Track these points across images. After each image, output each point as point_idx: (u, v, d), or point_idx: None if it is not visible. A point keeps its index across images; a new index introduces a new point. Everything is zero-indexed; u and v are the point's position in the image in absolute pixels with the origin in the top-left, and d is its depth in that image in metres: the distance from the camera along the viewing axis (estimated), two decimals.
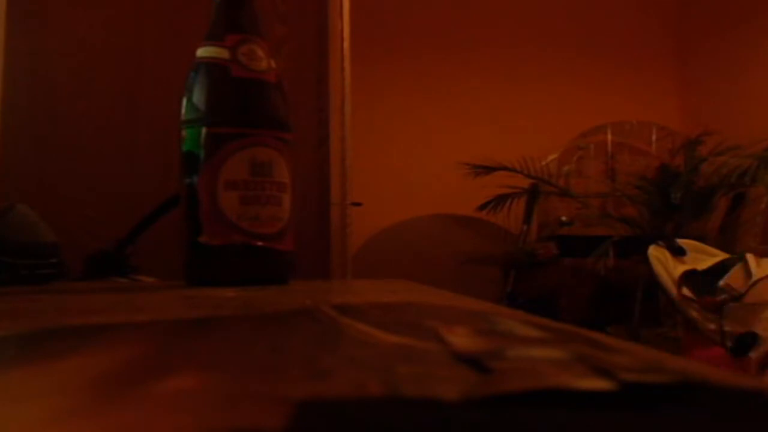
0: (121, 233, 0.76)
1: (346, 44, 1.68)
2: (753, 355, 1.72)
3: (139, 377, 0.15)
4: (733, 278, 1.85)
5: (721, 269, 1.91)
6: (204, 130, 0.56)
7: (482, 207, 3.23)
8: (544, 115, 3.49)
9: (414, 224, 3.48)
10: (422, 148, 3.45)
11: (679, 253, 2.07)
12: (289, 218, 0.59)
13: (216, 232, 0.56)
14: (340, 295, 0.48)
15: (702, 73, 3.57)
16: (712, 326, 1.86)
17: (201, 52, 0.59)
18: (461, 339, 0.20)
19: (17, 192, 1.20)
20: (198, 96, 0.58)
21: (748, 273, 1.82)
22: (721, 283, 1.86)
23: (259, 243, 0.57)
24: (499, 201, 3.20)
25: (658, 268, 2.06)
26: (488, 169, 3.11)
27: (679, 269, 1.98)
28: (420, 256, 3.42)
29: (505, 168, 3.10)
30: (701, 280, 1.93)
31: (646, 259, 2.13)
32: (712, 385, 0.14)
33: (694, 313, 1.94)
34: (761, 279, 1.78)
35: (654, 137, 3.29)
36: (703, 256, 2.02)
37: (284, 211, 0.59)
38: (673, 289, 1.99)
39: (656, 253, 2.08)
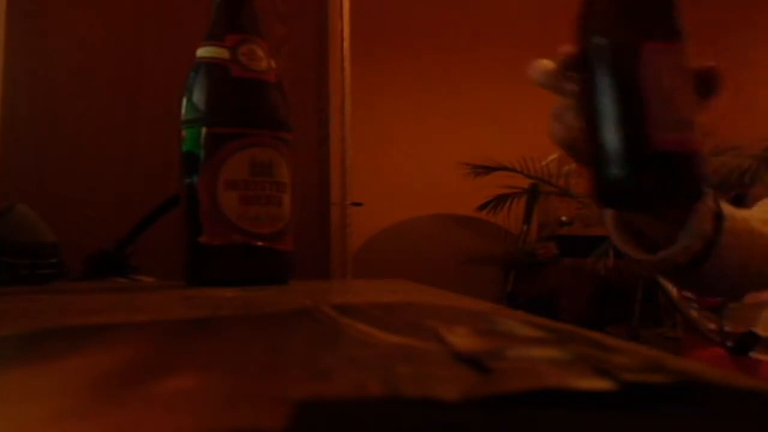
0: (121, 233, 0.76)
1: (346, 44, 1.68)
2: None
3: (139, 377, 0.15)
4: None
5: None
6: (204, 130, 0.56)
7: (482, 207, 3.23)
8: (544, 115, 3.47)
9: (414, 224, 3.48)
10: (422, 148, 3.45)
11: None
12: (289, 218, 0.59)
13: (216, 232, 0.56)
14: (340, 295, 0.48)
15: None
16: (712, 326, 1.86)
17: (201, 52, 0.59)
18: (461, 339, 0.20)
19: (17, 192, 1.20)
20: (198, 96, 0.58)
21: None
22: None
23: (259, 243, 0.57)
24: (499, 201, 3.20)
25: None
26: (488, 169, 3.11)
27: None
28: (420, 256, 3.42)
29: (505, 168, 3.10)
30: None
31: None
32: (712, 385, 0.14)
33: (694, 313, 1.94)
34: None
35: None
36: None
37: (284, 211, 0.59)
38: (673, 289, 1.99)
39: None
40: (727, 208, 0.57)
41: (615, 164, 0.48)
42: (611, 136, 0.48)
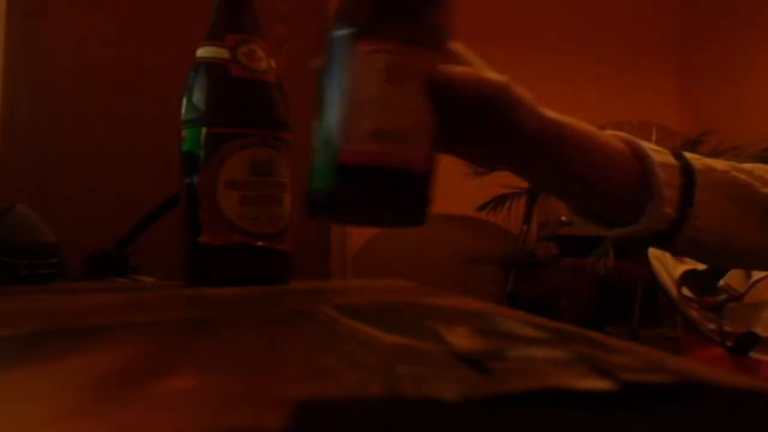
0: (121, 233, 0.76)
1: None
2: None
3: (139, 377, 0.15)
4: (733, 278, 1.85)
5: (721, 269, 1.91)
6: (204, 130, 0.56)
7: (482, 207, 3.23)
8: None
9: None
10: None
11: None
12: (289, 218, 0.59)
13: (216, 232, 0.56)
14: (340, 295, 0.48)
15: (702, 73, 3.57)
16: (712, 326, 1.86)
17: (201, 52, 0.59)
18: (461, 339, 0.20)
19: (17, 192, 1.20)
20: (198, 96, 0.58)
21: (748, 273, 1.82)
22: (721, 283, 1.86)
23: (259, 243, 0.57)
24: (499, 201, 3.20)
25: (658, 268, 2.06)
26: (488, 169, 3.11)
27: (679, 269, 1.98)
28: (420, 256, 3.42)
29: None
30: (701, 280, 1.93)
31: (646, 259, 2.13)
32: (712, 385, 0.14)
33: (694, 313, 1.94)
34: (761, 279, 1.78)
35: (654, 137, 3.29)
36: None
37: (284, 211, 0.59)
38: (673, 289, 1.99)
39: (656, 253, 2.08)
40: (705, 174, 0.52)
41: (313, 170, 0.42)
42: (316, 140, 0.42)
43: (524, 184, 3.16)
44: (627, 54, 3.70)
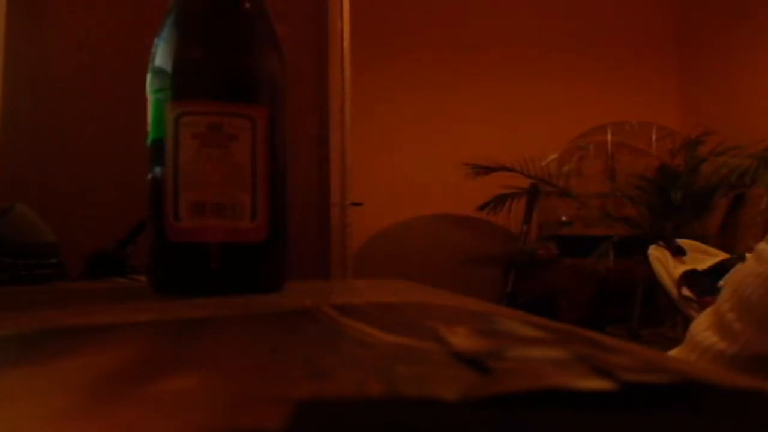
0: (121, 233, 0.76)
1: (346, 44, 1.68)
2: None
3: (139, 377, 0.15)
4: None
5: (721, 269, 1.91)
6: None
7: (482, 207, 3.23)
8: (544, 115, 3.50)
9: (414, 224, 3.48)
10: (422, 148, 3.45)
11: (679, 253, 2.07)
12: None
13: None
14: (340, 295, 0.48)
15: (702, 73, 3.57)
16: None
17: None
18: (461, 339, 0.20)
19: (17, 192, 1.20)
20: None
21: None
22: (721, 283, 1.86)
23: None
24: (499, 201, 3.21)
25: (658, 268, 2.06)
26: (488, 169, 3.12)
27: (679, 269, 1.98)
28: (420, 256, 3.42)
29: (505, 168, 3.10)
30: (701, 280, 1.93)
31: (646, 259, 2.13)
32: (712, 385, 0.14)
33: (694, 313, 1.94)
34: None
35: (654, 137, 3.29)
36: (703, 256, 2.02)
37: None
38: (673, 289, 1.99)
39: (656, 253, 2.08)
40: None
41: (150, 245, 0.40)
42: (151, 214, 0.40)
43: (524, 184, 3.17)
44: (627, 54, 3.70)
